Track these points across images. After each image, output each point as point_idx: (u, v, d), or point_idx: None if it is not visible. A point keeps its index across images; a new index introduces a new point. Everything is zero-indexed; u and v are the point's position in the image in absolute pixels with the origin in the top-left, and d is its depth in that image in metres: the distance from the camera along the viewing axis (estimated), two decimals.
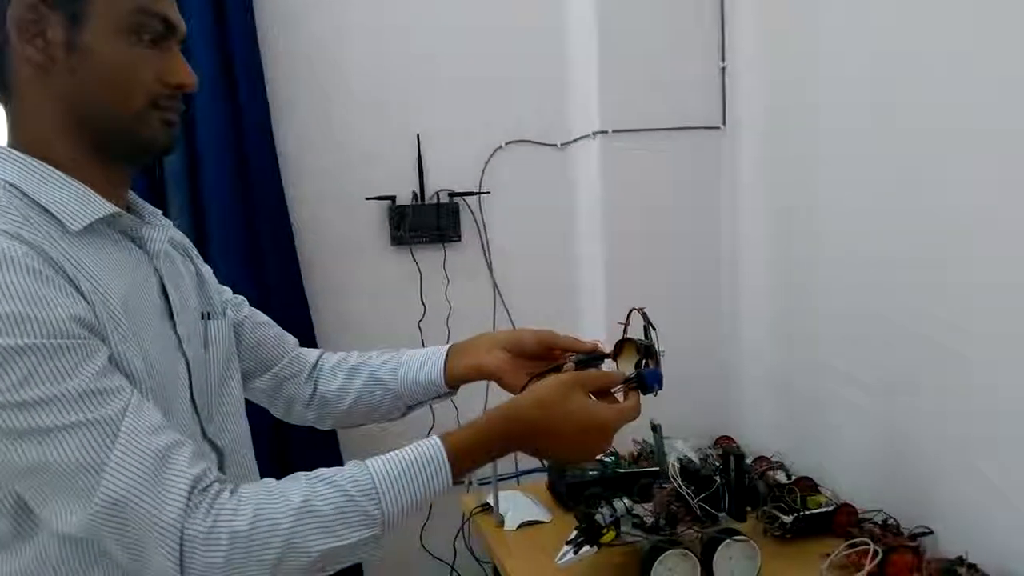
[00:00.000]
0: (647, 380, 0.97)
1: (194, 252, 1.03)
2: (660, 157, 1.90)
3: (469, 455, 0.84)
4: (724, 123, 1.92)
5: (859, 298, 1.53)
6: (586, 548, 1.34)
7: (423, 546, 2.01)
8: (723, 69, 1.90)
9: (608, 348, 1.09)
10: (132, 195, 0.91)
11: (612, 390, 0.96)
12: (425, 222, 1.94)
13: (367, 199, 1.90)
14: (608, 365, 1.06)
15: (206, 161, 1.72)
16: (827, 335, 1.64)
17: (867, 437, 1.54)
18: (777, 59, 1.74)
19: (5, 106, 0.82)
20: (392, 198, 1.92)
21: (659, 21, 1.88)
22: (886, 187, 1.44)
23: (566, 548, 1.36)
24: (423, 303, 1.96)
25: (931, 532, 1.35)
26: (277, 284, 1.79)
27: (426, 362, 1.13)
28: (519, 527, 1.64)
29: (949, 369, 1.32)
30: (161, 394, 0.80)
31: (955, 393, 1.31)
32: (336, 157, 1.89)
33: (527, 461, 1.95)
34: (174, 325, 0.87)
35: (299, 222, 1.87)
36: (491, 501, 1.71)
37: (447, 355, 1.12)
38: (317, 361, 1.18)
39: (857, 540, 1.33)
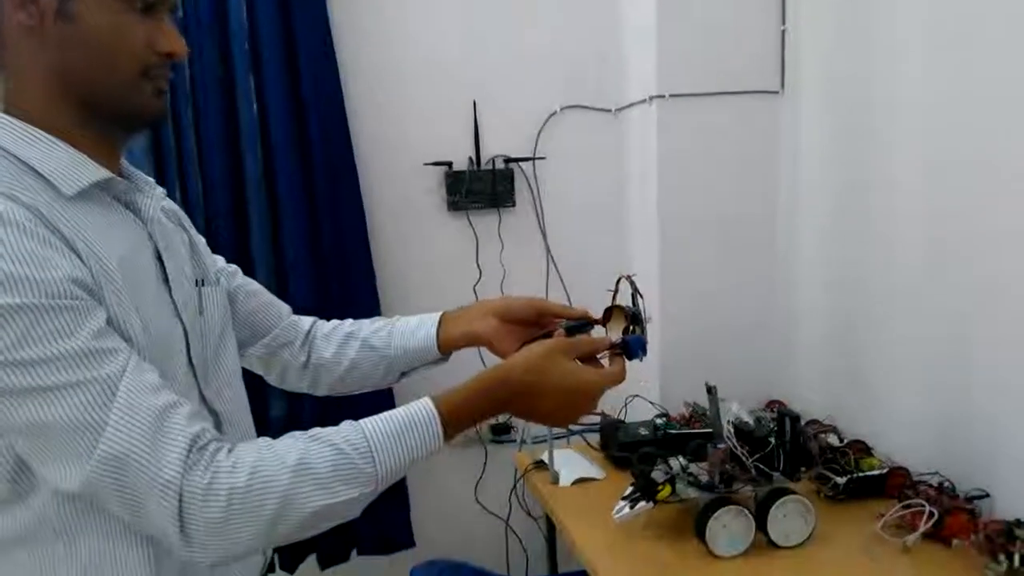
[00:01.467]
0: (631, 346, 0.99)
1: (186, 221, 1.03)
2: (717, 121, 1.90)
3: (460, 416, 0.85)
4: (783, 87, 1.90)
5: (913, 265, 1.53)
6: (642, 503, 1.38)
7: (478, 501, 2.07)
8: (783, 32, 1.88)
9: (599, 316, 1.09)
10: (125, 163, 0.91)
11: (599, 356, 0.98)
12: (481, 188, 1.98)
13: (425, 164, 1.94)
14: (598, 331, 1.07)
15: (275, 125, 1.78)
16: (880, 302, 1.64)
17: (922, 401, 1.54)
18: (838, 22, 1.71)
19: None
20: (449, 164, 1.96)
21: None
22: (947, 154, 1.43)
23: (622, 503, 1.41)
24: (479, 267, 2.00)
25: (987, 495, 1.35)
26: (344, 249, 1.85)
27: (419, 329, 1.13)
28: (573, 483, 1.70)
29: (1005, 328, 1.32)
30: (158, 356, 0.80)
31: (1015, 349, 1.31)
32: (394, 124, 1.93)
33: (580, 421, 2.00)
34: (169, 290, 0.88)
35: (361, 188, 1.92)
36: (546, 459, 1.76)
37: (439, 322, 1.13)
38: (311, 329, 1.18)
39: (911, 501, 1.35)
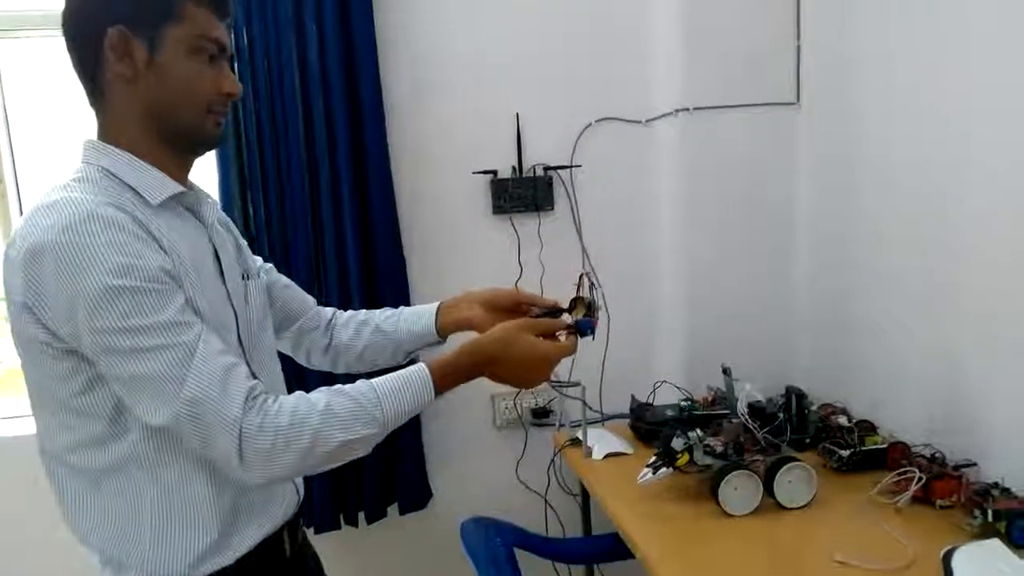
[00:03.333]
0: (580, 327, 1.20)
1: (233, 226, 1.26)
2: (738, 131, 2.08)
3: (445, 377, 1.06)
4: (799, 99, 2.07)
5: (915, 265, 1.69)
6: (663, 469, 1.57)
7: (519, 478, 2.28)
8: (798, 48, 2.05)
9: (565, 305, 1.29)
10: (190, 179, 1.14)
11: (556, 333, 1.18)
12: (523, 193, 2.19)
13: (473, 173, 2.16)
14: (566, 318, 1.27)
15: (321, 143, 2.01)
16: (886, 299, 1.80)
17: (920, 383, 1.69)
18: (847, 38, 1.88)
19: (96, 109, 1.05)
20: (494, 172, 2.18)
21: (738, 4, 2.04)
22: (951, 164, 1.59)
23: (645, 470, 1.60)
24: (520, 265, 2.20)
25: (974, 464, 1.51)
26: (382, 251, 2.08)
27: (421, 317, 1.34)
28: (604, 457, 1.89)
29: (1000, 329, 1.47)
30: (218, 333, 1.00)
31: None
32: (448, 138, 2.16)
33: (613, 406, 2.19)
34: (224, 282, 1.10)
35: (415, 193, 2.16)
36: (580, 436, 1.95)
37: (437, 311, 1.34)
38: (332, 317, 1.40)
39: (905, 469, 1.51)
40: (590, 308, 1.24)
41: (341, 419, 0.98)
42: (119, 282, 0.90)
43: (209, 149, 1.14)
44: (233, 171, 2.01)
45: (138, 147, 1.04)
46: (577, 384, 1.99)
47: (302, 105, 1.99)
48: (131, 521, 1.01)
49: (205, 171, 2.01)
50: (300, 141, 2.00)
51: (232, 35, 1.91)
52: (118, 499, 1.01)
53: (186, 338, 0.94)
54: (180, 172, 1.10)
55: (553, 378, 1.20)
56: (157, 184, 1.03)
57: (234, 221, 1.96)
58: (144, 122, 1.03)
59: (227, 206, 2.00)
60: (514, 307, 1.31)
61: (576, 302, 1.27)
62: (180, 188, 1.06)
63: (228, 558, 1.05)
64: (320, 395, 1.01)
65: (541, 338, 1.13)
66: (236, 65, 1.96)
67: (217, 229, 1.14)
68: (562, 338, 1.18)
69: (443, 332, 1.34)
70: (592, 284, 1.27)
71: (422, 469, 2.21)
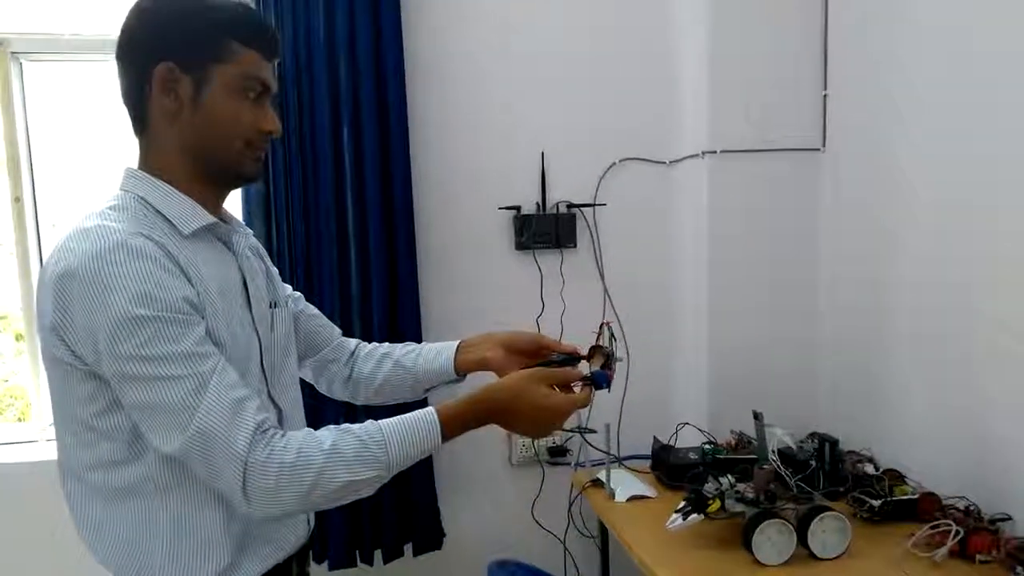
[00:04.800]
0: (596, 379, 1.18)
1: (265, 255, 1.27)
2: (763, 175, 2.09)
3: (454, 424, 1.05)
4: (824, 145, 2.09)
5: (940, 309, 1.69)
6: (693, 516, 1.54)
7: (534, 518, 2.24)
8: (824, 96, 2.07)
9: (585, 352, 1.28)
10: (225, 209, 1.16)
11: (572, 384, 1.16)
12: (546, 229, 2.19)
13: (499, 208, 2.16)
14: (584, 366, 1.26)
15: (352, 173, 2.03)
16: (910, 349, 1.80)
17: (950, 434, 1.68)
18: (873, 88, 1.90)
19: (139, 137, 1.08)
20: (518, 208, 2.18)
21: (766, 51, 2.07)
22: (980, 211, 1.60)
23: (675, 515, 1.57)
24: (542, 301, 2.20)
25: (1010, 518, 1.49)
26: (404, 285, 2.09)
27: (440, 354, 1.33)
28: (628, 500, 1.86)
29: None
30: (240, 360, 1.04)
31: None
32: (472, 173, 2.17)
33: (632, 446, 2.17)
34: (250, 309, 1.11)
35: (439, 227, 2.16)
36: (602, 478, 1.93)
37: (457, 349, 1.33)
38: (355, 349, 1.40)
39: (940, 522, 1.49)
40: (608, 359, 1.23)
41: (346, 460, 0.98)
42: (141, 311, 0.92)
43: (246, 183, 1.15)
44: (258, 198, 2.01)
45: (176, 178, 1.06)
46: (594, 431, 1.96)
47: (331, 136, 2.00)
48: (144, 542, 1.02)
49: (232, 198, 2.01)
50: (329, 172, 2.01)
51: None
52: (132, 520, 1.02)
53: (202, 369, 0.95)
54: (215, 203, 1.12)
55: (566, 427, 1.16)
56: (190, 214, 1.05)
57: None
58: (184, 155, 1.06)
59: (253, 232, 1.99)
60: (533, 351, 1.30)
61: (595, 351, 1.26)
62: (212, 219, 1.07)
63: None
64: (327, 433, 1.00)
65: (554, 389, 1.12)
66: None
67: (247, 257, 1.16)
68: (576, 389, 1.16)
69: (461, 371, 1.33)
70: (612, 335, 1.26)
71: (435, 510, 2.17)
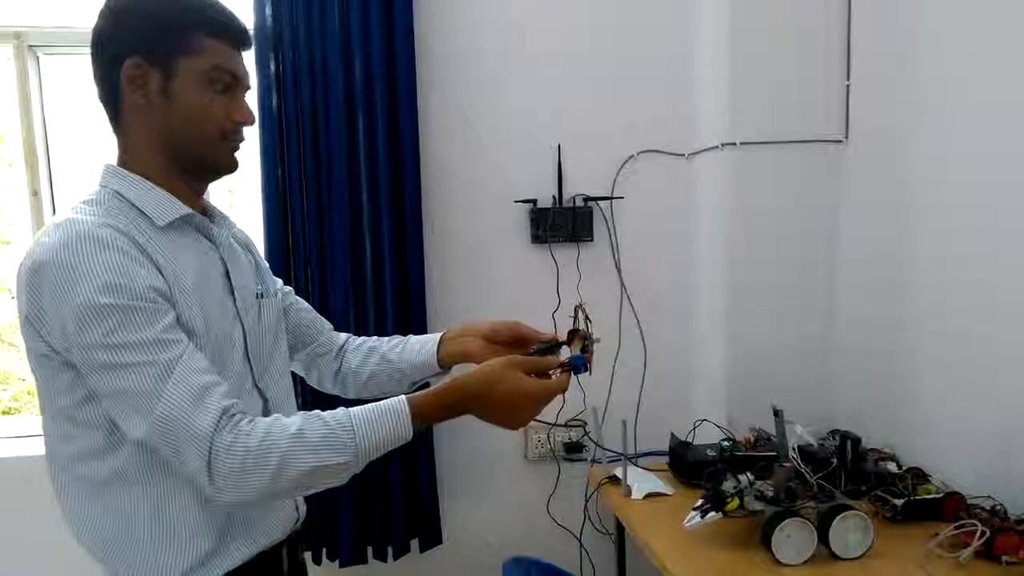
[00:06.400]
0: (574, 364, 1.16)
1: (254, 248, 1.29)
2: (784, 167, 2.05)
3: (424, 413, 1.04)
4: (847, 137, 2.05)
5: (963, 306, 1.65)
6: (712, 514, 1.51)
7: (549, 514, 2.23)
8: (847, 87, 2.03)
9: (564, 337, 1.25)
10: (209, 203, 1.18)
11: (551, 372, 1.14)
12: (562, 223, 2.16)
13: (515, 202, 2.13)
14: (566, 351, 1.23)
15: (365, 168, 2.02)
16: (934, 340, 1.76)
17: (975, 431, 1.64)
18: (900, 78, 1.86)
19: (116, 134, 1.09)
20: (534, 201, 2.15)
21: (787, 42, 2.03)
22: (1005, 209, 1.56)
23: (693, 513, 1.55)
24: (558, 295, 2.17)
25: None
26: (414, 279, 2.07)
27: (423, 348, 1.33)
28: (644, 497, 1.84)
29: None
30: (218, 349, 1.05)
31: None
32: (488, 166, 2.15)
33: (648, 443, 2.14)
34: (234, 300, 1.12)
35: (455, 220, 2.14)
36: (619, 474, 1.91)
37: (440, 342, 1.33)
38: (344, 343, 1.40)
39: (965, 522, 1.46)
40: (586, 342, 1.21)
41: (312, 444, 0.98)
42: (106, 300, 0.93)
43: (223, 175, 1.15)
44: (276, 196, 2.01)
45: (152, 172, 1.07)
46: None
47: (347, 133, 1.99)
48: (127, 531, 1.03)
49: (251, 198, 2.01)
50: (343, 170, 2.00)
51: (279, 64, 1.95)
52: (115, 510, 1.03)
53: (168, 356, 0.95)
54: (193, 196, 1.13)
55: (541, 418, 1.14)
56: (165, 206, 1.06)
57: (277, 243, 1.98)
58: (158, 149, 1.07)
59: (271, 229, 2.01)
60: (514, 340, 1.29)
61: (573, 335, 1.24)
62: (187, 210, 1.08)
63: (220, 569, 1.06)
64: (296, 419, 1.00)
65: (531, 376, 1.09)
66: (282, 92, 1.97)
67: (233, 248, 1.17)
68: (555, 376, 1.14)
69: (444, 363, 1.33)
70: (587, 317, 1.24)
71: (435, 505, 2.16)
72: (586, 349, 1.20)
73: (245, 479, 0.95)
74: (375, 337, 1.41)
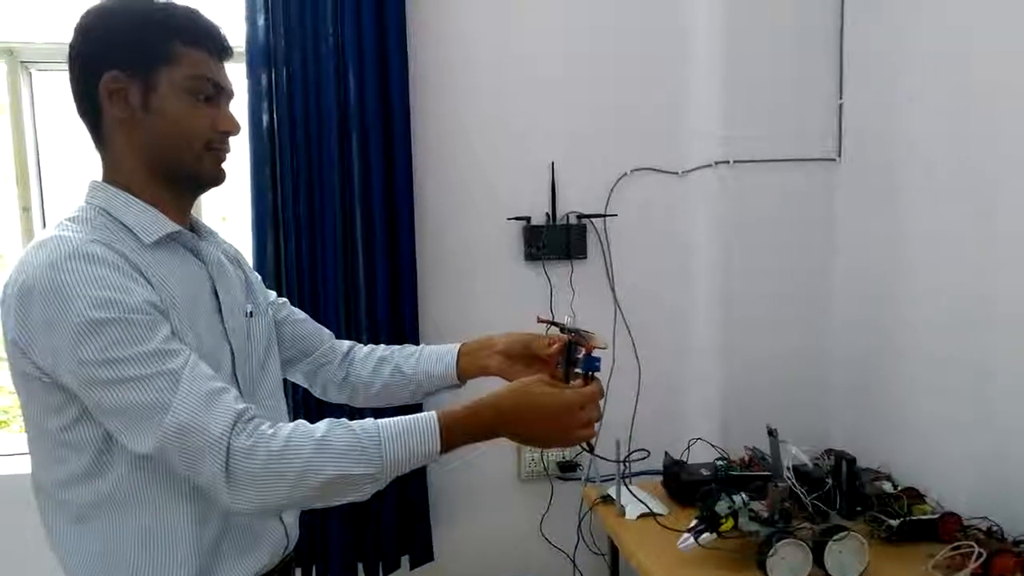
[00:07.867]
0: (590, 366, 1.12)
1: (244, 262, 1.25)
2: (777, 185, 2.06)
3: (455, 432, 0.99)
4: (840, 155, 2.05)
5: (957, 324, 1.65)
6: (706, 535, 1.50)
7: (542, 534, 2.20)
8: (840, 105, 2.04)
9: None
10: (196, 219, 1.15)
11: (571, 383, 1.11)
12: (556, 240, 2.16)
13: (508, 219, 2.13)
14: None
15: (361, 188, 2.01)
16: (927, 365, 1.75)
17: (969, 448, 1.63)
18: (892, 97, 1.87)
19: (99, 150, 1.07)
20: (528, 218, 2.15)
21: (780, 61, 2.04)
22: (996, 228, 1.56)
23: (686, 534, 1.53)
24: (552, 312, 2.16)
25: None
26: (406, 295, 2.07)
27: (442, 359, 1.31)
28: (638, 517, 1.82)
29: None
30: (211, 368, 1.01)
31: None
32: (482, 183, 2.14)
33: (643, 462, 2.12)
34: (222, 319, 1.09)
35: (448, 237, 2.14)
36: (612, 494, 1.89)
37: (458, 355, 1.31)
38: (349, 351, 1.37)
39: (961, 543, 1.44)
40: (570, 348, 1.19)
41: (336, 452, 0.94)
42: (101, 315, 0.91)
43: (210, 186, 1.12)
44: (267, 208, 2.00)
45: (137, 186, 1.05)
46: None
47: (339, 147, 1.98)
48: (113, 556, 1.00)
49: (240, 208, 1.99)
50: (336, 184, 1.99)
51: (272, 74, 1.94)
52: (101, 534, 1.00)
53: (173, 365, 0.93)
54: (179, 211, 1.10)
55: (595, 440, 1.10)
56: (152, 223, 1.04)
57: (267, 256, 1.97)
58: (142, 163, 1.05)
59: (261, 239, 1.99)
60: (530, 358, 1.26)
61: (574, 343, 1.20)
62: (175, 227, 1.06)
63: None
64: (321, 425, 0.97)
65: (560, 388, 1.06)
66: (274, 105, 1.96)
67: (222, 265, 1.14)
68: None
69: (463, 377, 1.31)
70: (561, 328, 1.22)
71: (426, 521, 2.14)
72: (573, 359, 1.18)
73: (265, 483, 0.92)
74: (383, 346, 1.39)
